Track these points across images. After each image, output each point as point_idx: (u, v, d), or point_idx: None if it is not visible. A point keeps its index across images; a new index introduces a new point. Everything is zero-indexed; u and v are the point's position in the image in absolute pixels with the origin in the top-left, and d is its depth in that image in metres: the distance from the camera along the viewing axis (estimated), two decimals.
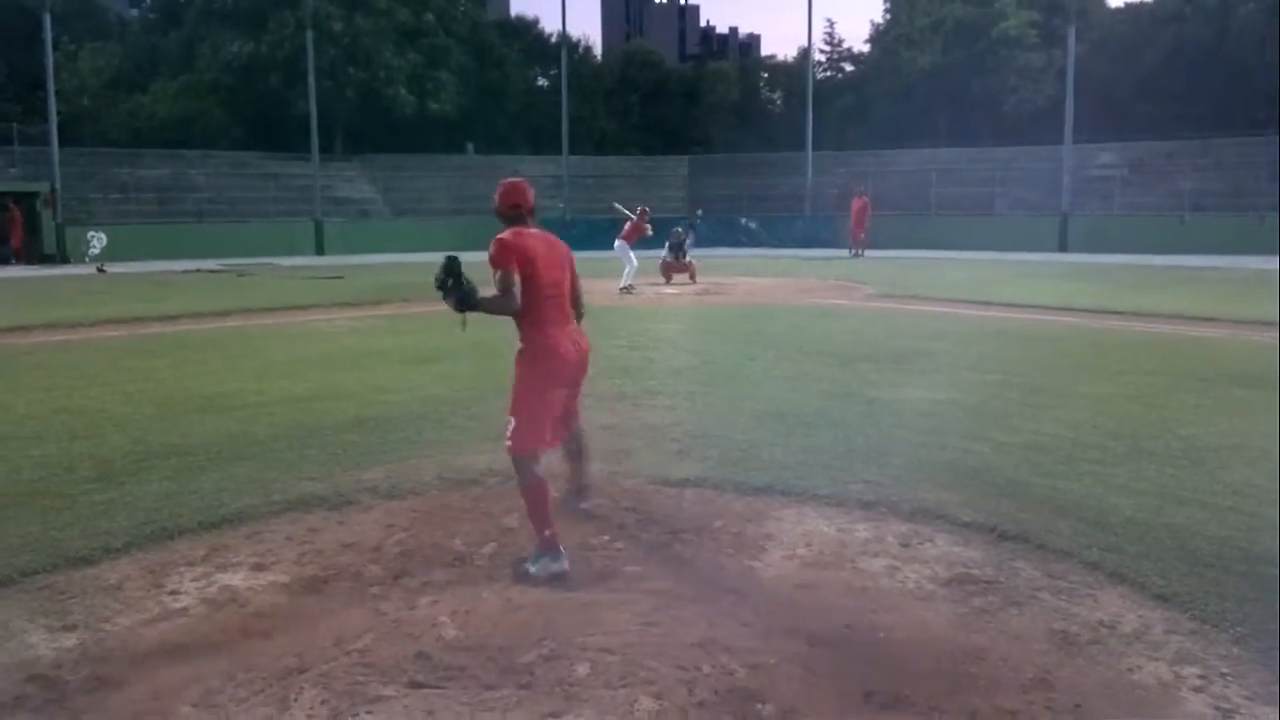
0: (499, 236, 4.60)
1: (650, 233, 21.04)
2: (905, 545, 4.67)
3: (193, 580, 4.32)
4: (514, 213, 4.82)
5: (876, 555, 4.55)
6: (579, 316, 4.90)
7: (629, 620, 3.75)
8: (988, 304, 15.97)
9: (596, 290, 18.77)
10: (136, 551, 4.65)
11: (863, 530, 4.89)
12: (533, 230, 4.78)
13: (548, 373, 4.64)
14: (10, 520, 5.02)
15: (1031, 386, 8.72)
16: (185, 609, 4.04)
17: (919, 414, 7.52)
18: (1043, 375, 9.33)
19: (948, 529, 4.85)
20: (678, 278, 21.45)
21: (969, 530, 4.81)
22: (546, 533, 4.38)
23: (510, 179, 5.02)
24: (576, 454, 5.18)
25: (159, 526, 4.93)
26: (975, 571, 4.31)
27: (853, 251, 30.62)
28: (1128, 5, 55.21)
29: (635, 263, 20.06)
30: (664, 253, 22.05)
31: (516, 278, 4.51)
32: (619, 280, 19.30)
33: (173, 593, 4.19)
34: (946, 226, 36.25)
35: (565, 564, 4.34)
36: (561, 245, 4.88)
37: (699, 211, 25.88)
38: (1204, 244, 29.75)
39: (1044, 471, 5.84)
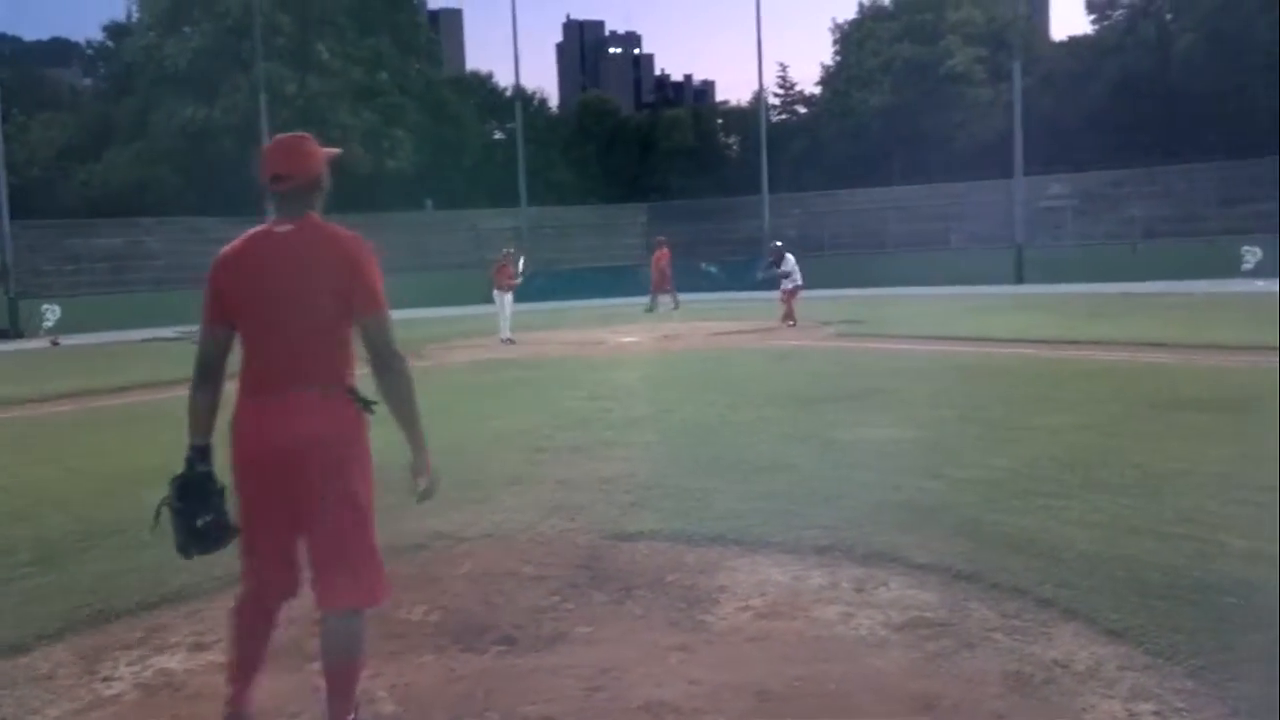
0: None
1: (518, 279, 20.65)
2: (859, 590, 4.61)
3: (128, 665, 4.17)
4: (273, 189, 3.15)
5: (830, 602, 4.48)
6: (385, 373, 3.08)
7: (573, 686, 3.65)
8: (945, 339, 16.07)
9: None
10: (72, 636, 4.48)
11: (817, 577, 4.82)
12: (281, 229, 3.09)
13: (236, 470, 3.15)
14: None
15: (988, 421, 8.73)
16: (118, 696, 3.89)
17: (876, 454, 7.49)
18: (999, 409, 9.35)
19: (902, 571, 4.79)
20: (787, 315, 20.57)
21: (923, 572, 4.76)
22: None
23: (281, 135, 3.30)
24: (327, 664, 3.26)
25: (96, 609, 4.76)
26: (929, 614, 4.25)
27: (650, 305, 27.27)
28: (1070, 39, 56.59)
29: (507, 310, 19.99)
30: (782, 278, 21.06)
31: (213, 333, 3.16)
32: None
33: (106, 679, 4.04)
34: (903, 263, 36.59)
35: None
36: (328, 256, 3.04)
37: (778, 243, 22.63)
38: (1156, 270, 30.20)
39: (999, 507, 5.80)
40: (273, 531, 3.15)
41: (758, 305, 23.55)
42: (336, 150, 3.35)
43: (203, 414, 3.20)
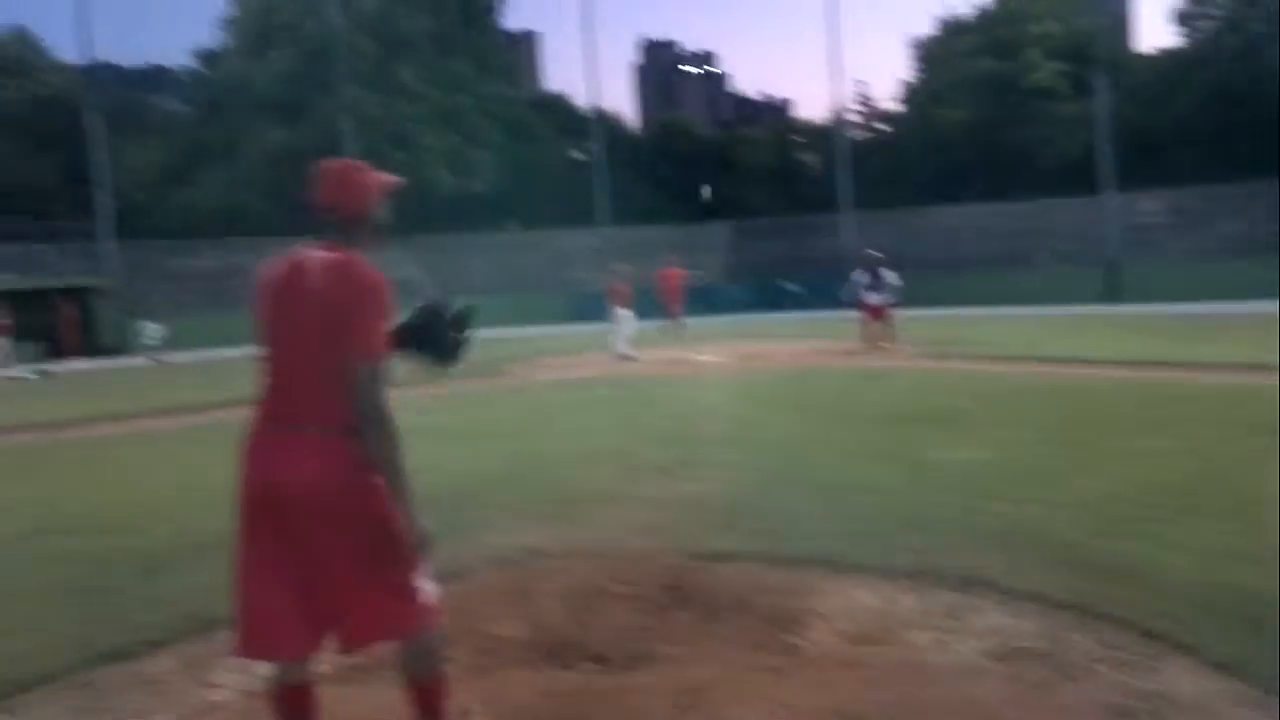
0: None
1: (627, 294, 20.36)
2: (953, 616, 4.54)
3: (231, 672, 4.28)
4: (316, 216, 3.08)
5: (924, 628, 4.42)
6: (365, 429, 2.84)
7: (663, 705, 3.66)
8: (1033, 360, 15.76)
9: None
10: (177, 644, 4.63)
11: (909, 601, 4.76)
12: (312, 256, 2.96)
13: (241, 507, 2.97)
14: (54, 618, 5.04)
15: (1081, 444, 8.54)
16: (222, 703, 4.01)
17: (965, 476, 7.37)
18: (1092, 432, 9.14)
19: (997, 598, 4.70)
20: (878, 336, 19.58)
21: (1020, 599, 4.66)
22: None
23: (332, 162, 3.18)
24: (405, 685, 3.26)
25: (199, 619, 4.88)
26: (1027, 643, 4.17)
27: (666, 327, 25.83)
28: (1158, 51, 55.19)
29: (625, 327, 19.94)
30: (860, 287, 20.08)
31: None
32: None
33: (211, 686, 4.17)
34: (988, 281, 36.03)
35: None
36: (324, 283, 2.88)
37: (875, 253, 21.23)
38: (1254, 288, 29.21)
39: (1096, 533, 5.67)
40: (263, 578, 2.92)
41: (840, 325, 23.36)
42: (394, 180, 3.21)
43: None
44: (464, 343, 3.36)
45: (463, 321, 3.36)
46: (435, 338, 3.29)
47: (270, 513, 2.86)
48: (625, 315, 20.14)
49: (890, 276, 20.17)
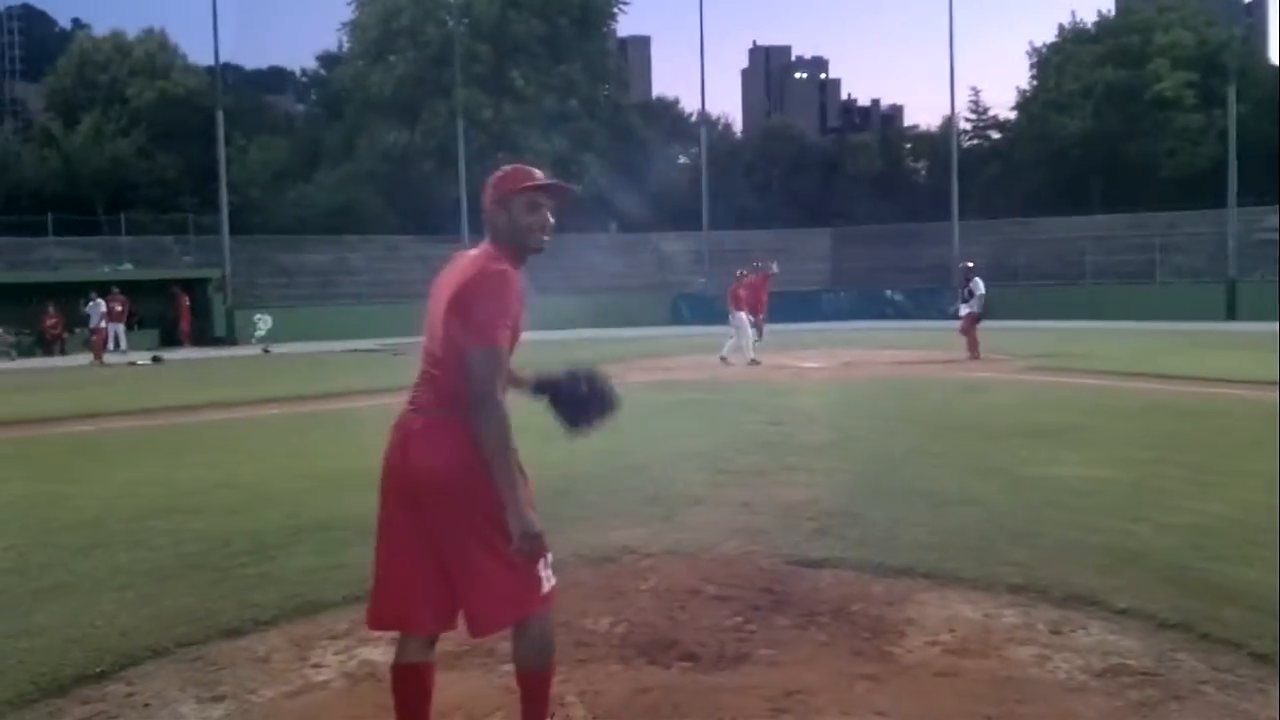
0: None
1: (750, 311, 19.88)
2: (1056, 633, 4.43)
3: (335, 654, 4.41)
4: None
5: (1024, 643, 4.32)
6: (474, 415, 2.84)
7: (758, 706, 3.65)
8: (1147, 376, 15.26)
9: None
10: (284, 624, 4.78)
11: (1010, 616, 4.66)
12: (467, 252, 3.12)
13: (380, 485, 3.16)
14: (169, 594, 5.25)
15: (1196, 464, 8.24)
16: (326, 682, 4.12)
17: (1072, 493, 7.19)
18: (1209, 452, 8.81)
19: (1102, 616, 4.57)
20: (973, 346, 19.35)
21: (1125, 618, 4.53)
22: None
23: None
24: (516, 670, 3.23)
25: (306, 600, 5.05)
26: (1132, 662, 4.05)
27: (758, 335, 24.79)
28: None
29: (744, 333, 19.61)
30: (965, 304, 19.88)
31: None
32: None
33: (316, 666, 4.29)
34: (1103, 295, 35.05)
35: None
36: (453, 276, 3.00)
37: (969, 263, 21.28)
38: None
39: (1209, 555, 5.47)
40: (395, 552, 3.09)
41: (945, 335, 22.93)
42: (540, 184, 3.10)
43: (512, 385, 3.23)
44: (604, 412, 3.43)
45: (605, 395, 3.41)
46: (575, 402, 3.40)
47: (399, 492, 3.01)
48: (744, 320, 19.97)
49: (978, 287, 19.79)
